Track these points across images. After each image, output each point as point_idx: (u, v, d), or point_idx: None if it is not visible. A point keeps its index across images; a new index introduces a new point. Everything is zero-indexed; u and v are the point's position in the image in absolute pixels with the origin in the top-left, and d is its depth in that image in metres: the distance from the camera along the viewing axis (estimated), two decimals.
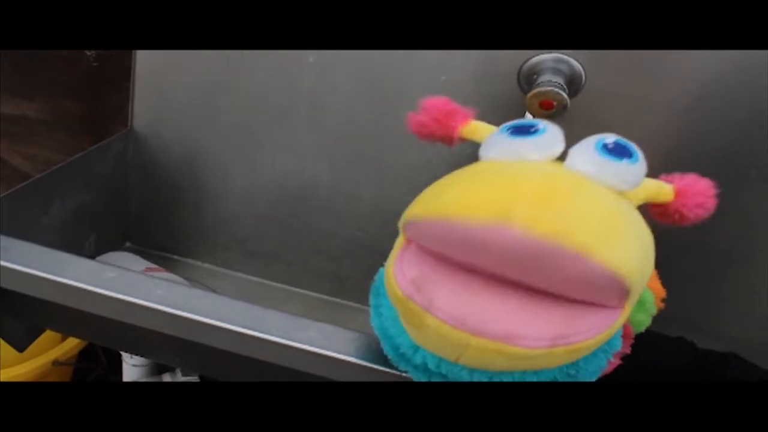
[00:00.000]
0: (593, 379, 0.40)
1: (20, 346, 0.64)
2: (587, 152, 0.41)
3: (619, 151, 0.41)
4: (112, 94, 0.81)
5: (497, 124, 0.52)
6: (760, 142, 0.61)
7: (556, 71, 0.59)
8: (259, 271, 0.80)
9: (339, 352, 0.44)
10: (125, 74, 0.73)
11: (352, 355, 0.44)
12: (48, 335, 0.90)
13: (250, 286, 0.80)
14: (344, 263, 0.77)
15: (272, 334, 0.45)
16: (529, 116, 0.44)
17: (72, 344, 0.93)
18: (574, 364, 0.39)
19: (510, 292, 0.37)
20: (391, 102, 0.67)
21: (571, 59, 0.59)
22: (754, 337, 0.69)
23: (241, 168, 0.74)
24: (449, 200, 0.38)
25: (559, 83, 0.57)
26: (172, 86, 0.72)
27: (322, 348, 0.44)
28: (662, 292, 0.45)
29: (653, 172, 0.56)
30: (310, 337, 0.45)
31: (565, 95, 0.56)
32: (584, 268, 0.34)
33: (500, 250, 0.35)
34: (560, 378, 0.39)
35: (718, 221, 0.60)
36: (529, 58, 0.60)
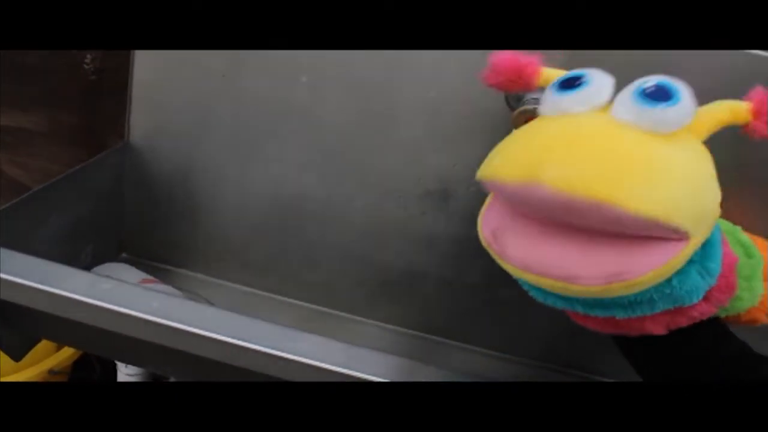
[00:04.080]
0: (693, 298, 0.44)
1: (16, 355, 0.65)
2: (625, 101, 0.43)
3: (657, 95, 0.42)
4: (109, 107, 0.82)
5: (485, 140, 0.53)
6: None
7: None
8: (252, 281, 0.81)
9: (329, 363, 0.46)
10: (122, 87, 0.74)
11: (342, 366, 0.46)
12: (43, 345, 0.91)
13: (243, 297, 0.81)
14: (336, 274, 0.78)
15: (264, 345, 0.46)
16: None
17: (67, 354, 0.94)
18: (668, 283, 0.42)
19: (570, 237, 0.41)
20: (381, 117, 0.68)
21: None
22: None
23: (234, 180, 0.75)
24: (495, 163, 0.44)
25: None
26: (168, 100, 0.73)
27: (313, 359, 0.46)
28: None
29: None
30: (301, 348, 0.46)
31: None
32: (615, 214, 0.38)
33: (538, 206, 0.41)
34: (656, 296, 0.42)
35: None
36: None
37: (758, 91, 0.44)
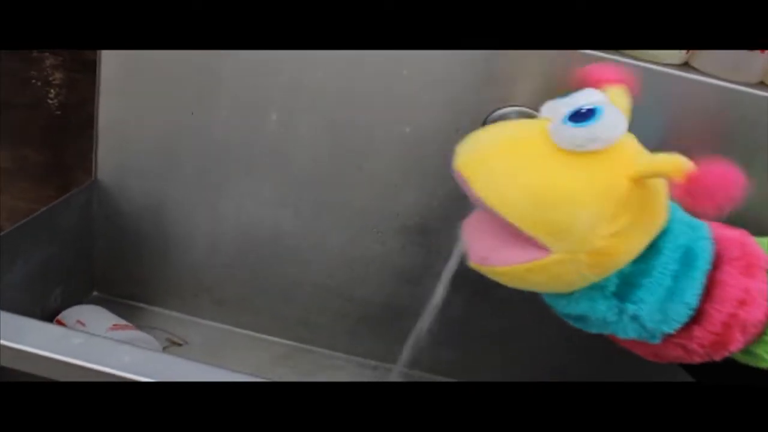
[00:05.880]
0: (629, 332, 0.48)
1: None
2: (556, 119, 0.46)
3: (577, 118, 0.44)
4: (75, 143, 0.81)
5: None
6: None
7: None
8: (227, 318, 0.80)
9: None
10: (88, 123, 0.73)
11: None
12: None
13: (218, 334, 0.80)
14: (312, 310, 0.77)
15: None
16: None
17: None
18: (577, 305, 0.48)
19: (487, 228, 0.48)
20: (354, 152, 0.67)
21: (534, 112, 0.60)
22: None
23: (205, 216, 0.74)
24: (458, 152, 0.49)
25: None
26: (136, 136, 0.71)
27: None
28: None
29: None
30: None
31: None
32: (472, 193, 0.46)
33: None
34: (592, 317, 0.48)
35: None
36: (494, 111, 0.62)
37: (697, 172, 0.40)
